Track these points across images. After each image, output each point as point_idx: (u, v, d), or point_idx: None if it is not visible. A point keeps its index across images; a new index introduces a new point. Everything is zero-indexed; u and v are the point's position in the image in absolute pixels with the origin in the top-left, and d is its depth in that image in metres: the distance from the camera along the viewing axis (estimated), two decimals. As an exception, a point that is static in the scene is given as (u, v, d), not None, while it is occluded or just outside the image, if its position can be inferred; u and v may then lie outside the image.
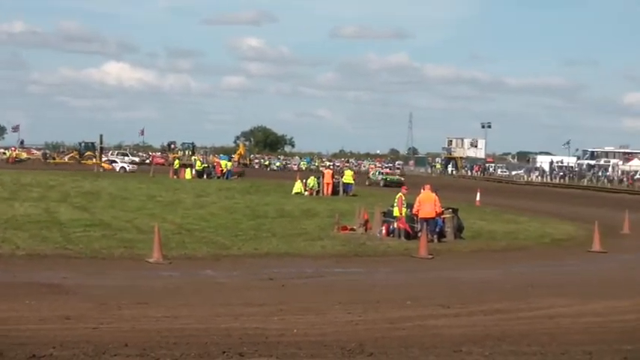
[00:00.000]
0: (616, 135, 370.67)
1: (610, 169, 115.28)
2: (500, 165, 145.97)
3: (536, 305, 19.00)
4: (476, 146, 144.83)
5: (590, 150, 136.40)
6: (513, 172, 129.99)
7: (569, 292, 21.40)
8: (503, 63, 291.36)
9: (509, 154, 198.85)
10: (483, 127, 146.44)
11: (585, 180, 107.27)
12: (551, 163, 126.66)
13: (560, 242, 35.58)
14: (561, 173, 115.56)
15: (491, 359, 13.48)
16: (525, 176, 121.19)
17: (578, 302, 19.64)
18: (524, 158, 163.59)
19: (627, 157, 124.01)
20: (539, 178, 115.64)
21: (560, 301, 19.55)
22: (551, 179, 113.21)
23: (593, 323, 17.07)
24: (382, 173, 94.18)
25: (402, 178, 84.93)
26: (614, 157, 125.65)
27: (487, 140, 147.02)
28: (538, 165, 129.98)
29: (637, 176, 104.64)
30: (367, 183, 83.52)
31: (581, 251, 32.43)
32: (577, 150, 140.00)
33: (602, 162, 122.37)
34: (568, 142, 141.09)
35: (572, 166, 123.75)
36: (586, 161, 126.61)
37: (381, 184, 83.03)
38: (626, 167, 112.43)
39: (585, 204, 65.16)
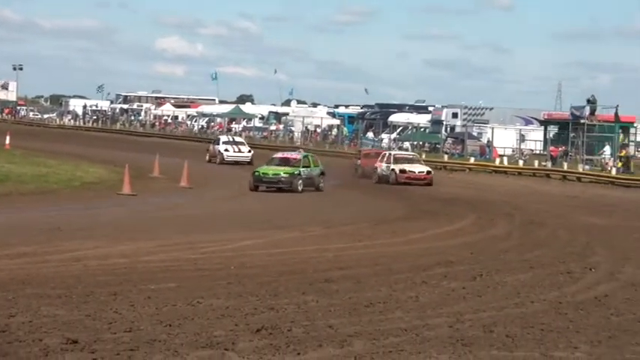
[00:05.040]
0: (149, 79, 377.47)
1: (143, 113, 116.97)
2: (32, 108, 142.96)
3: (63, 248, 18.99)
4: (7, 89, 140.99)
5: (123, 94, 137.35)
6: (46, 116, 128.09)
7: (98, 234, 21.63)
8: (36, 3, 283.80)
9: (42, 97, 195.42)
10: (15, 69, 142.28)
11: (118, 124, 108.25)
12: (85, 106, 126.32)
13: (90, 185, 35.72)
14: (95, 117, 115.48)
15: (14, 303, 13.23)
16: (58, 119, 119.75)
17: (105, 244, 19.88)
18: (58, 101, 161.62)
19: (159, 101, 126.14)
20: (72, 121, 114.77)
21: (88, 244, 19.68)
22: (84, 123, 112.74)
23: (119, 265, 17.35)
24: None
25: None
26: (147, 102, 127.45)
27: (19, 83, 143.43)
28: (71, 108, 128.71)
29: (169, 120, 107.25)
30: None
31: (112, 194, 32.81)
32: (109, 94, 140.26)
33: (135, 106, 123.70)
34: (101, 86, 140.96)
35: (105, 110, 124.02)
36: (119, 105, 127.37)
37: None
38: (158, 112, 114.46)
39: (119, 148, 65.49)
